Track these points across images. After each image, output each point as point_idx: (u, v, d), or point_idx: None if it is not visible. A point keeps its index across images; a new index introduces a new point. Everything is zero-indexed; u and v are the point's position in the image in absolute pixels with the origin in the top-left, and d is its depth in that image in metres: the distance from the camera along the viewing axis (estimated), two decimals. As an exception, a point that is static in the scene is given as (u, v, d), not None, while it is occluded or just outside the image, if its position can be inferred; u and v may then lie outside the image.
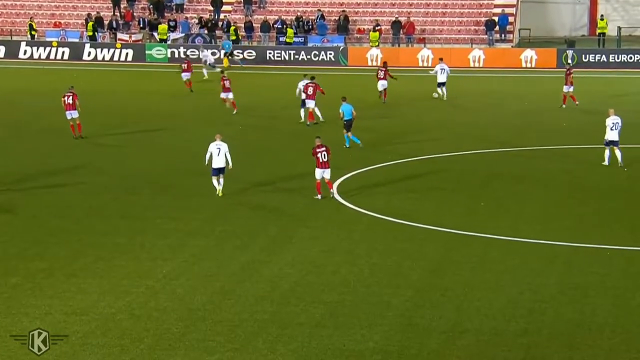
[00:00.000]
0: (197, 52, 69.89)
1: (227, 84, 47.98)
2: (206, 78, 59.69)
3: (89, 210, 29.98)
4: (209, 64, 63.09)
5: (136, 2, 76.15)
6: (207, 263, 24.73)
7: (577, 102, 49.40)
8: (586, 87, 57.45)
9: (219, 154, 31.14)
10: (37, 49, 71.31)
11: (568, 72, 50.46)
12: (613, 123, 35.84)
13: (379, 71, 52.48)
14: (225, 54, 67.92)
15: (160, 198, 31.68)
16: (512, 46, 71.70)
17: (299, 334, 19.93)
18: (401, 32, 71.28)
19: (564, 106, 49.72)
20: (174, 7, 75.58)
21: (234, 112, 47.53)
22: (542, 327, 20.53)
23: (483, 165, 37.13)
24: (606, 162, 35.89)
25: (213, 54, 66.43)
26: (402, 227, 28.24)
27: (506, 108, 51.35)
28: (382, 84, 51.74)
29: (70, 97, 41.03)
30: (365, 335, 19.92)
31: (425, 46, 70.26)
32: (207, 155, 31.38)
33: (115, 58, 70.32)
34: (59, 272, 23.80)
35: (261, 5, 75.69)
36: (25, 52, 71.50)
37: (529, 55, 66.96)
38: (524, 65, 66.76)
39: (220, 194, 31.32)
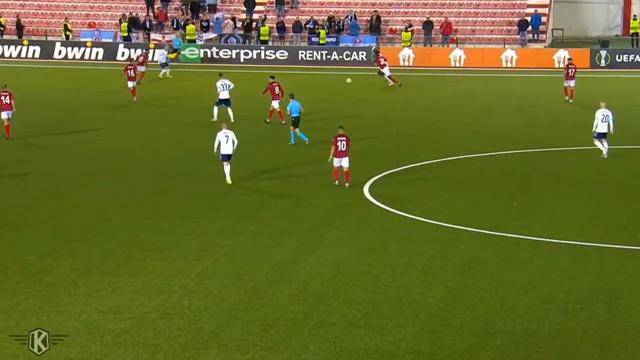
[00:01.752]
0: (229, 53, 70.21)
1: (131, 73, 51.60)
2: (166, 77, 61.03)
3: (118, 209, 30.15)
4: (161, 62, 63.11)
5: (170, 3, 76.53)
6: (239, 262, 24.84)
7: (571, 99, 51.22)
8: (619, 87, 57.21)
9: (227, 141, 32.80)
10: (72, 49, 71.80)
11: (568, 66, 52.24)
12: (603, 115, 36.94)
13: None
14: (174, 51, 68.22)
15: (190, 197, 31.82)
16: (544, 46, 71.40)
17: (331, 334, 19.98)
18: (432, 32, 71.15)
19: (570, 101, 51.09)
20: (207, 8, 75.87)
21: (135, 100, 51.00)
22: (575, 328, 20.47)
23: (516, 166, 37.04)
24: (605, 155, 36.99)
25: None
26: (433, 227, 28.24)
27: (539, 108, 51.13)
28: None
29: (7, 97, 41.13)
30: (397, 335, 19.95)
31: (457, 46, 70.12)
32: (216, 144, 32.97)
33: (149, 58, 70.64)
34: (93, 270, 23.99)
35: (293, 6, 75.82)
36: (60, 52, 72.05)
37: (562, 56, 66.61)
38: (556, 65, 66.42)
39: (229, 182, 32.70)
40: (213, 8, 75.83)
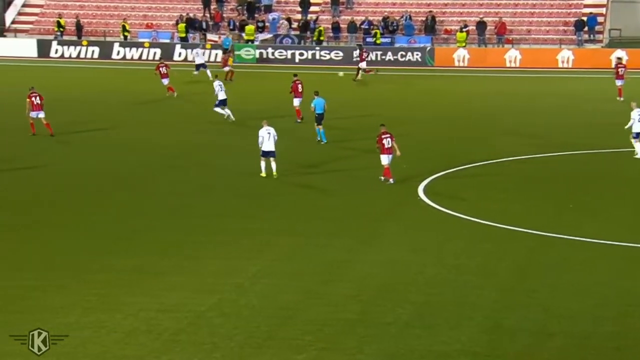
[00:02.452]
0: (284, 53, 70.49)
1: (163, 70, 52.91)
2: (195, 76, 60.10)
3: (175, 209, 30.43)
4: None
5: (225, 3, 77.01)
6: (294, 262, 24.99)
7: (622, 98, 50.98)
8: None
9: (269, 138, 33.61)
10: (130, 50, 72.52)
11: (618, 66, 52.80)
12: (639, 115, 37.36)
13: None
14: (224, 51, 68.54)
15: (242, 196, 32.06)
16: (601, 46, 70.74)
17: (386, 334, 20.05)
18: (486, 32, 70.83)
19: (621, 99, 50.95)
20: (262, 8, 76.22)
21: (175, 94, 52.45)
22: (631, 331, 20.35)
23: (569, 167, 36.84)
24: (638, 155, 37.05)
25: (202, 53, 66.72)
26: (488, 228, 28.18)
27: (596, 109, 50.73)
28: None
29: (37, 98, 41.70)
30: (452, 336, 19.97)
31: (512, 47, 69.73)
32: (260, 140, 33.81)
33: (205, 58, 71.13)
34: (149, 269, 24.26)
35: (348, 6, 75.90)
36: (118, 52, 72.83)
37: (619, 56, 65.94)
38: (614, 65, 65.73)
39: (275, 175, 33.61)
40: (268, 8, 76.15)
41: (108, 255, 25.39)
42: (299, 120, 45.04)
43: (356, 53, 65.10)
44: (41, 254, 25.59)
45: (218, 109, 45.79)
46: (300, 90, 45.17)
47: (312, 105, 40.50)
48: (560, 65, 67.84)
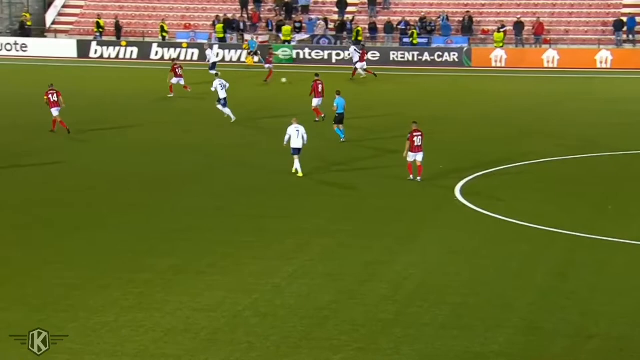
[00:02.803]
0: (321, 53, 70.57)
1: (179, 71, 53.67)
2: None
3: (214, 209, 30.55)
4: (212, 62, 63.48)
5: (263, 4, 77.23)
6: (331, 262, 25.03)
7: None
8: None
9: (298, 135, 34.03)
10: (168, 50, 72.93)
11: None
12: None
13: None
14: (249, 53, 68.89)
15: (283, 197, 32.17)
16: (641, 46, 70.25)
17: (423, 335, 20.04)
18: (523, 32, 70.51)
19: None
20: (300, 9, 76.37)
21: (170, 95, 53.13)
22: (670, 334, 20.20)
23: (611, 168, 36.62)
24: None
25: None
26: (525, 229, 28.07)
27: (636, 110, 50.32)
28: None
29: (55, 95, 42.19)
30: (489, 337, 19.91)
31: (550, 47, 69.35)
32: (286, 138, 34.27)
33: (242, 59, 71.49)
34: (188, 268, 24.38)
35: (385, 7, 75.85)
36: (156, 53, 73.26)
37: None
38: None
39: (300, 175, 33.95)
40: (306, 9, 76.29)
41: (148, 255, 25.55)
42: (317, 120, 44.89)
43: (350, 52, 64.95)
44: (87, 253, 25.76)
45: (219, 107, 45.82)
46: (320, 90, 45.26)
47: (335, 104, 40.56)
48: (598, 65, 67.39)
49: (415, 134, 33.15)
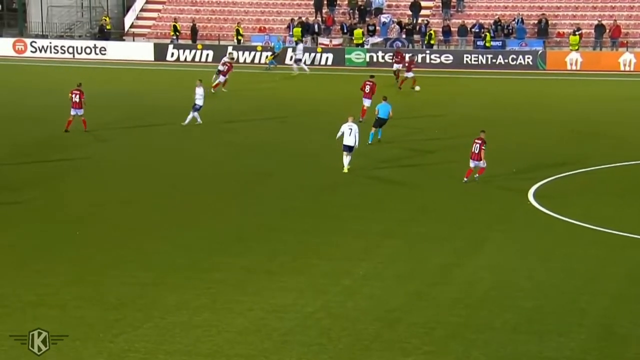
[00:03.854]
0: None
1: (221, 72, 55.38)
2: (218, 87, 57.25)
3: (286, 210, 30.75)
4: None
5: (337, 7, 77.41)
6: (401, 265, 25.05)
7: None
8: None
9: (350, 133, 34.80)
10: (243, 53, 73.39)
11: None
12: None
13: None
14: (273, 54, 69.42)
15: (355, 198, 32.21)
16: None
17: (494, 339, 19.96)
18: (603, 35, 69.66)
19: None
20: (373, 12, 76.38)
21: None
22: None
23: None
24: None
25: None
26: (600, 234, 27.79)
27: None
28: None
29: (77, 95, 42.61)
30: (561, 343, 19.77)
31: (627, 50, 68.42)
32: (339, 134, 35.15)
33: (316, 62, 71.75)
34: (260, 269, 24.57)
35: (459, 9, 75.53)
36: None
37: None
38: None
39: (346, 170, 34.79)
40: (379, 12, 76.27)
41: (221, 255, 25.79)
42: (360, 120, 44.66)
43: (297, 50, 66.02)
44: (161, 252, 26.08)
45: (194, 114, 45.00)
46: (367, 91, 45.15)
47: (377, 108, 40.54)
48: (676, 68, 66.34)
49: (476, 141, 33.31)
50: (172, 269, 24.53)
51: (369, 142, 40.01)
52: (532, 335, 20.16)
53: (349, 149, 35.00)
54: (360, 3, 76.24)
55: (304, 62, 67.51)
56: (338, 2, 77.34)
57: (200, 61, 73.83)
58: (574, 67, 67.73)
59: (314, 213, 30.39)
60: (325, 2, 76.89)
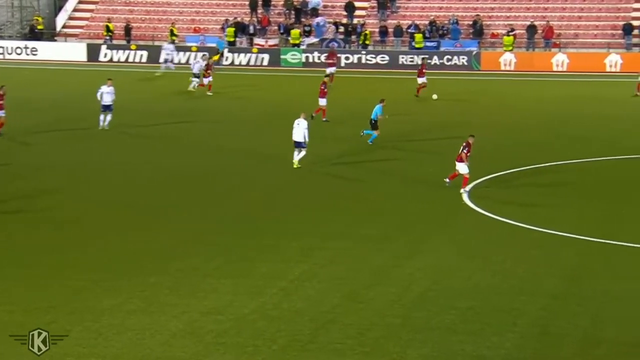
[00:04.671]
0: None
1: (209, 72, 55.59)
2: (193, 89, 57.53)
3: (226, 211, 30.44)
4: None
5: (272, 8, 77.18)
6: (339, 266, 24.89)
7: None
8: None
9: (298, 129, 35.13)
10: (177, 54, 72.78)
11: None
12: None
13: None
14: (218, 52, 70.07)
15: (298, 198, 32.10)
16: (651, 50, 70.02)
17: (430, 339, 19.89)
18: (535, 36, 70.34)
19: None
20: (309, 12, 76.31)
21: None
22: (681, 339, 20.01)
23: (625, 172, 36.38)
24: None
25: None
26: (537, 234, 27.88)
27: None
28: None
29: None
30: (497, 342, 19.75)
31: (560, 51, 69.18)
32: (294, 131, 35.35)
33: (252, 63, 71.47)
34: (195, 272, 24.25)
35: (394, 10, 75.74)
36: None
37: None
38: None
39: (295, 166, 35.41)
40: (315, 13, 76.22)
41: (157, 258, 25.41)
42: (324, 119, 45.84)
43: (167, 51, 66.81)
44: (96, 257, 25.67)
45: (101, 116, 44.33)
46: (324, 90, 45.92)
47: (374, 110, 41.01)
48: (608, 69, 67.19)
49: (464, 144, 32.54)
50: (106, 273, 24.08)
51: (369, 142, 40.46)
52: (467, 335, 20.12)
53: (298, 144, 35.40)
54: (295, 3, 76.10)
55: (171, 61, 67.35)
56: (273, 2, 77.12)
57: (134, 62, 73.17)
58: (508, 68, 68.31)
59: (251, 215, 30.08)
60: (260, 2, 76.63)
